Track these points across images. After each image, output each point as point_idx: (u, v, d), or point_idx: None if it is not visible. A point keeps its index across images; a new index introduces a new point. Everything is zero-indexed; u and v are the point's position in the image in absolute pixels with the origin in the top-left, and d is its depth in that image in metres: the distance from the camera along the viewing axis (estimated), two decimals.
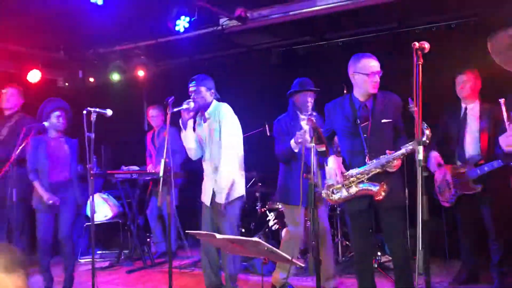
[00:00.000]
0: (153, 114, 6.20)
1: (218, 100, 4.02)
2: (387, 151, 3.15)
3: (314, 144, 2.37)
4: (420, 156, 2.15)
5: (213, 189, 3.87)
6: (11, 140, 4.96)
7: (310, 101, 3.98)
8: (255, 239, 2.09)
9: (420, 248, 2.06)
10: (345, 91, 5.30)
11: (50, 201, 4.34)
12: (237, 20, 5.72)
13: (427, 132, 2.84)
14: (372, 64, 3.26)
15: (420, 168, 2.15)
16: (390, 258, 5.10)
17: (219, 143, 3.82)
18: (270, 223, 5.33)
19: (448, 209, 4.34)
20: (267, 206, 5.62)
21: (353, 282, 4.58)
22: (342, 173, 3.28)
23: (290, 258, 2.18)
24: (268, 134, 5.18)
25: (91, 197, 3.78)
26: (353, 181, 3.26)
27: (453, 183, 4.14)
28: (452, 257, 4.71)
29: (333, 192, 3.35)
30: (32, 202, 4.45)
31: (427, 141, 2.82)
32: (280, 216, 5.37)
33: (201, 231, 3.04)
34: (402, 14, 5.58)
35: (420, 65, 2.25)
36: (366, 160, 3.24)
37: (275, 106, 6.66)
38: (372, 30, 5.91)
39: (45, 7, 5.14)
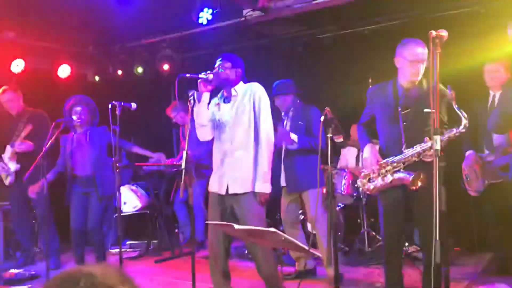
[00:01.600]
0: (173, 115, 6.20)
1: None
2: (426, 139, 3.05)
3: (331, 135, 2.36)
4: (438, 145, 2.12)
5: (228, 176, 3.43)
6: (29, 135, 5.13)
7: (284, 103, 4.02)
8: (272, 229, 2.11)
9: (437, 238, 2.03)
10: (370, 81, 5.25)
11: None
12: (260, 10, 5.72)
13: (464, 120, 2.81)
14: (418, 51, 3.13)
15: (437, 158, 2.11)
16: (418, 248, 5.07)
17: (247, 126, 3.41)
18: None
19: (476, 198, 4.25)
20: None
21: (379, 272, 4.56)
22: (378, 161, 3.20)
23: (307, 248, 2.19)
24: None
25: (117, 189, 3.87)
26: (389, 170, 3.18)
27: (481, 172, 4.05)
28: (481, 248, 4.62)
29: (369, 181, 3.27)
30: (65, 197, 4.61)
31: (463, 130, 2.81)
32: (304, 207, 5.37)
33: (220, 222, 3.03)
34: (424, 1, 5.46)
35: (438, 54, 2.20)
36: (402, 149, 3.16)
37: (300, 96, 6.67)
38: (399, 17, 5.78)
39: (72, 3, 5.26)
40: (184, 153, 3.08)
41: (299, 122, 4.53)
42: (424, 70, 3.18)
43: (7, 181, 5.21)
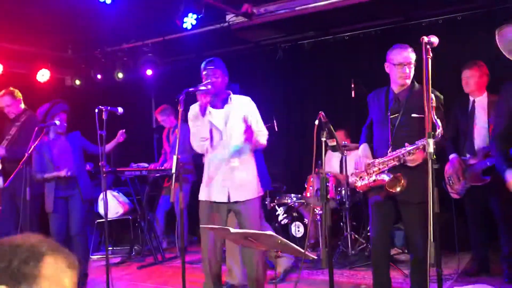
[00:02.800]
0: (161, 118, 6.23)
1: (233, 89, 3.70)
2: (406, 144, 3.13)
3: (325, 139, 2.40)
4: (431, 149, 2.18)
5: (228, 184, 3.42)
6: (19, 139, 5.03)
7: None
8: (269, 232, 2.13)
9: (432, 240, 2.08)
10: (352, 85, 5.34)
11: (68, 173, 4.41)
12: (243, 16, 5.75)
13: (438, 130, 2.82)
14: (402, 54, 3.23)
15: (430, 160, 2.17)
16: (400, 250, 5.17)
17: (240, 133, 3.38)
18: (280, 218, 5.37)
19: (458, 201, 4.36)
20: (276, 201, 5.66)
21: (363, 274, 4.63)
22: (366, 162, 3.34)
23: (302, 250, 2.21)
24: (276, 129, 5.22)
25: (103, 193, 3.83)
26: (375, 171, 3.29)
27: (463, 175, 4.16)
28: (462, 249, 4.72)
29: (359, 179, 3.40)
30: (45, 205, 4.52)
31: (438, 139, 2.79)
32: (289, 211, 5.42)
33: (215, 226, 3.03)
34: (409, 7, 5.58)
35: (429, 59, 2.27)
36: (388, 152, 3.26)
37: (282, 101, 6.73)
38: (379, 23, 5.91)
39: (52, 7, 5.19)
40: (175, 157, 3.07)
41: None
42: (413, 73, 3.27)
43: None
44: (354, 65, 6.06)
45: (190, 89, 3.23)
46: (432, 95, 2.95)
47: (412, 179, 3.11)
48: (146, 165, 6.10)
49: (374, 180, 3.28)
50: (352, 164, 3.58)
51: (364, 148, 3.44)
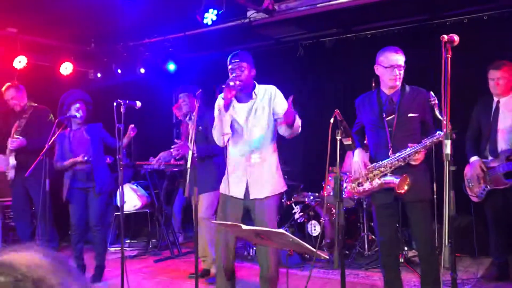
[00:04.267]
0: (180, 113, 6.24)
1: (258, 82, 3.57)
2: (409, 144, 3.15)
3: (340, 137, 2.36)
4: (448, 150, 2.12)
5: (247, 181, 3.37)
6: (30, 131, 5.12)
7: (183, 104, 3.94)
8: (281, 230, 2.11)
9: (446, 243, 2.03)
10: (373, 85, 5.27)
11: (85, 158, 4.45)
12: (264, 12, 5.72)
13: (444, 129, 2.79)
14: (393, 57, 3.26)
15: (447, 162, 2.11)
16: (416, 253, 5.08)
17: (264, 128, 3.35)
18: (296, 216, 5.34)
19: (478, 204, 4.26)
20: (293, 199, 5.63)
21: (379, 276, 4.57)
22: (366, 166, 3.30)
23: (314, 249, 2.19)
24: None
25: (120, 187, 3.85)
26: (376, 174, 3.27)
27: (483, 177, 4.06)
28: (481, 254, 4.63)
29: (358, 185, 3.37)
30: (64, 193, 4.58)
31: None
32: (305, 209, 5.39)
33: (227, 222, 3.01)
34: (432, 5, 5.48)
35: (449, 59, 2.21)
36: (389, 154, 3.24)
37: (301, 98, 6.68)
38: (402, 22, 5.82)
39: (75, 0, 5.25)
40: (190, 152, 3.07)
41: (199, 127, 4.46)
42: (403, 75, 3.30)
43: (8, 176, 5.19)
44: (374, 64, 5.96)
45: (223, 86, 3.21)
46: (432, 94, 3.03)
47: (414, 177, 3.16)
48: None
49: (380, 184, 3.25)
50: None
51: (360, 153, 3.36)
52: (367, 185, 3.29)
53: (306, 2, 5.63)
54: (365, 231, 5.20)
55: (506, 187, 3.95)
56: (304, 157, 6.60)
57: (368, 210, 5.14)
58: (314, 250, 2.16)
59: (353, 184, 3.38)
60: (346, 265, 4.91)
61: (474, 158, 4.13)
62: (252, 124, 3.38)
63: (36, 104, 5.38)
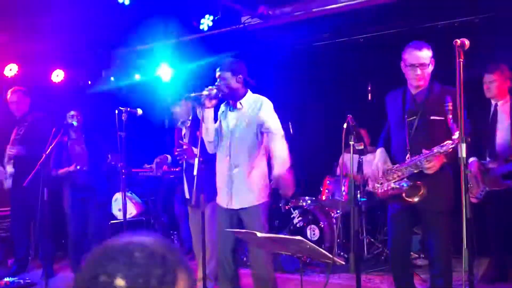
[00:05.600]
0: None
1: (253, 88, 3.54)
2: (423, 150, 2.95)
3: (353, 142, 2.37)
4: (463, 153, 2.14)
5: (231, 190, 3.37)
6: (29, 138, 5.05)
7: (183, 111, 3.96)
8: (298, 237, 2.10)
9: (465, 247, 2.04)
10: (369, 89, 5.31)
11: (77, 167, 4.42)
12: (259, 17, 5.74)
13: (457, 133, 2.72)
14: (415, 55, 3.06)
15: (463, 166, 2.13)
16: (416, 255, 5.10)
17: (248, 139, 3.34)
18: (295, 221, 5.34)
19: (476, 205, 4.30)
20: (291, 204, 5.62)
21: (380, 279, 4.59)
22: (383, 168, 3.16)
23: (331, 256, 2.19)
24: (291, 132, 5.19)
25: (121, 194, 3.82)
26: (393, 177, 3.10)
27: (482, 179, 4.11)
28: (481, 254, 4.68)
29: (379, 185, 3.19)
30: (64, 203, 4.53)
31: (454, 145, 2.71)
32: (304, 214, 5.39)
33: (241, 230, 2.97)
34: (424, 10, 5.54)
35: (461, 62, 2.23)
36: (406, 157, 3.07)
37: (297, 103, 6.70)
38: (396, 26, 5.86)
39: (67, 7, 5.20)
40: (196, 160, 3.05)
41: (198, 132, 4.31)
42: (429, 73, 3.10)
43: (5, 185, 5.09)
44: (370, 68, 6.01)
45: (192, 94, 3.27)
46: (449, 98, 2.87)
47: (431, 187, 2.94)
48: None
49: (393, 188, 3.07)
50: (367, 167, 3.40)
51: (381, 153, 3.24)
52: (383, 188, 3.14)
53: (301, 7, 5.65)
54: (364, 234, 5.22)
55: (504, 188, 3.99)
56: (301, 161, 6.60)
57: (367, 214, 5.17)
58: (330, 256, 2.15)
59: (377, 184, 3.20)
60: (345, 269, 4.91)
61: (472, 159, 4.17)
62: (237, 133, 3.37)
63: (37, 113, 5.30)
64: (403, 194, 2.99)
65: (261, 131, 3.36)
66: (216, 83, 3.33)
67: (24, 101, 5.23)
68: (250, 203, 3.32)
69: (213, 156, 3.52)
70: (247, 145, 3.34)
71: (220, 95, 3.32)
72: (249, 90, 3.48)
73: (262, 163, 3.42)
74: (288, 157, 3.33)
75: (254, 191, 3.34)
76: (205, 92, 3.23)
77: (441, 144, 2.89)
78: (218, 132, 3.46)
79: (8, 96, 5.20)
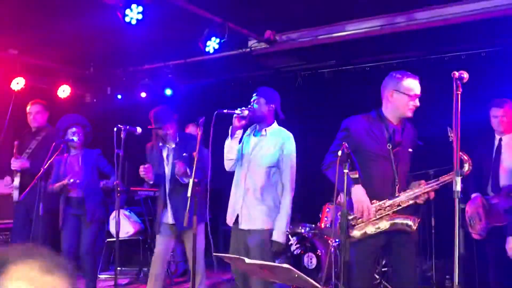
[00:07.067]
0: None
1: (280, 121, 3.70)
2: (423, 182, 2.92)
3: (347, 171, 2.33)
4: (458, 187, 2.09)
5: (241, 210, 3.48)
6: (39, 153, 5.03)
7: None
8: (286, 265, 2.04)
9: (457, 283, 1.98)
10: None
11: (71, 180, 4.39)
12: (265, 42, 5.78)
13: (467, 165, 2.71)
14: (418, 85, 3.04)
15: (457, 199, 2.08)
16: None
17: (264, 165, 3.47)
18: (292, 248, 5.25)
19: (480, 241, 4.21)
20: (289, 230, 5.53)
21: None
22: (373, 206, 2.90)
23: (319, 286, 2.12)
24: None
25: (116, 212, 3.78)
26: (384, 214, 2.90)
27: (485, 214, 4.03)
28: None
29: (352, 227, 2.85)
30: (60, 218, 4.50)
31: (466, 173, 2.69)
32: (302, 241, 5.30)
33: (229, 254, 2.95)
34: (431, 41, 5.55)
35: (459, 95, 2.21)
36: (396, 190, 2.94)
37: (299, 128, 6.66)
38: (401, 55, 5.88)
39: (76, 24, 5.27)
40: (191, 181, 3.02)
41: (184, 154, 4.12)
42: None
43: (14, 197, 5.07)
44: (374, 95, 5.98)
45: (224, 111, 3.34)
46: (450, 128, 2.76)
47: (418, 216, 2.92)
48: None
49: (390, 225, 2.87)
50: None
51: (363, 190, 2.84)
52: (370, 229, 2.89)
53: (307, 33, 5.70)
54: None
55: (506, 223, 3.91)
56: (301, 187, 6.54)
57: None
58: (319, 286, 2.09)
59: (359, 225, 2.90)
60: None
61: (475, 195, 4.09)
62: (258, 160, 3.49)
63: (52, 128, 5.27)
64: (410, 229, 2.88)
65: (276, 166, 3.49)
66: (249, 106, 3.49)
67: (43, 113, 5.23)
68: (257, 226, 3.43)
69: (204, 178, 3.61)
70: (263, 171, 3.47)
71: (250, 119, 3.46)
72: (275, 121, 3.64)
73: (271, 190, 3.51)
74: (289, 212, 3.51)
75: (263, 216, 3.44)
76: (237, 111, 3.39)
77: (441, 177, 2.89)
78: (240, 155, 3.59)
79: (29, 107, 5.20)
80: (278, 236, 3.40)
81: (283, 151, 3.48)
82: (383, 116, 3.11)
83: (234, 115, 3.38)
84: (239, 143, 3.60)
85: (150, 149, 4.17)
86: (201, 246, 3.91)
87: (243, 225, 3.45)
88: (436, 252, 4.67)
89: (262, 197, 3.45)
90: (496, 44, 5.28)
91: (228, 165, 3.61)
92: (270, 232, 3.44)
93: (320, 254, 5.07)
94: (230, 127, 3.48)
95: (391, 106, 3.09)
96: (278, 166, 3.49)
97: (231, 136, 3.46)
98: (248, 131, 3.66)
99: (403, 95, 3.02)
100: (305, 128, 6.70)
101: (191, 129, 6.12)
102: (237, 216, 3.51)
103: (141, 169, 3.78)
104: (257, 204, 3.44)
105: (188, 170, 3.76)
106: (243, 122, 3.41)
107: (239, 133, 3.50)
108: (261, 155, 3.48)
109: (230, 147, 3.51)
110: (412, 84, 3.05)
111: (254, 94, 3.54)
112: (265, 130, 3.54)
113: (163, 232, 4.06)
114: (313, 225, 5.41)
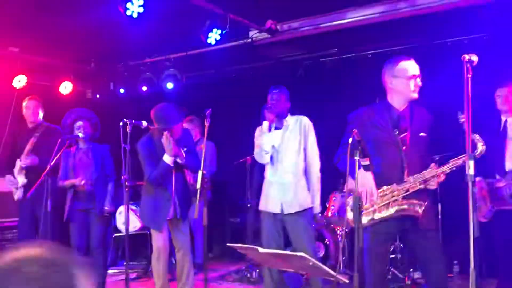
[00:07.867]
0: (188, 127, 6.18)
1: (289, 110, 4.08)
2: (432, 165, 2.89)
3: (358, 158, 2.33)
4: (471, 171, 2.09)
5: (281, 197, 3.84)
6: (38, 150, 5.04)
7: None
8: (301, 254, 2.05)
9: (472, 267, 1.98)
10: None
11: (82, 181, 4.41)
12: (267, 32, 5.75)
13: (480, 145, 2.71)
14: (414, 65, 3.02)
15: (471, 183, 2.08)
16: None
17: (296, 152, 3.88)
18: None
19: (486, 224, 4.22)
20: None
21: None
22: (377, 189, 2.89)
23: (334, 274, 2.13)
24: None
25: (124, 207, 3.79)
26: (390, 199, 2.88)
27: (490, 198, 4.03)
28: (489, 274, 4.57)
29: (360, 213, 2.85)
30: (65, 213, 4.50)
31: (479, 155, 2.68)
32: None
33: (243, 245, 2.93)
34: (432, 26, 5.52)
35: (470, 78, 2.20)
36: (404, 175, 2.91)
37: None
38: (404, 42, 5.85)
39: (76, 19, 5.24)
40: (200, 173, 3.02)
41: (184, 149, 4.19)
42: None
43: (16, 196, 5.08)
44: (377, 83, 5.97)
45: (265, 109, 3.78)
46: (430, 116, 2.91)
47: (428, 202, 2.88)
48: None
49: (396, 211, 2.84)
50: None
51: (369, 175, 2.81)
52: (376, 215, 2.88)
53: (309, 22, 5.66)
54: None
55: None
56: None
57: None
58: (334, 274, 2.10)
59: (370, 210, 2.92)
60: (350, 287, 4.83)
61: (478, 178, 4.09)
62: (283, 149, 3.88)
63: (49, 124, 5.29)
64: (418, 215, 2.85)
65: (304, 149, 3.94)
66: (272, 102, 3.90)
67: (38, 109, 5.24)
68: (299, 208, 3.80)
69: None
70: (294, 158, 3.88)
71: (276, 112, 3.85)
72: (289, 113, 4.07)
73: (303, 175, 3.93)
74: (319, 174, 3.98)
75: (301, 198, 3.83)
76: (269, 105, 3.83)
77: (455, 158, 2.86)
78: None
79: (25, 103, 5.21)
80: (317, 208, 3.93)
81: (306, 134, 3.92)
82: (388, 104, 3.11)
83: (266, 110, 3.76)
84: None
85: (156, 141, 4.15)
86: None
87: (290, 210, 3.78)
88: (444, 237, 4.67)
89: (299, 182, 3.84)
90: (498, 28, 5.24)
91: (265, 158, 3.89)
92: (311, 209, 3.88)
93: (327, 242, 5.09)
94: (264, 122, 3.79)
95: (394, 93, 3.09)
96: (305, 148, 3.91)
97: (269, 130, 3.81)
98: (263, 128, 3.87)
99: (400, 78, 3.02)
100: (308, 117, 6.69)
101: (186, 125, 6.12)
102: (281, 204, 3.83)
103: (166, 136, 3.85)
104: (297, 188, 3.82)
105: (182, 150, 3.93)
106: (272, 116, 3.78)
107: (267, 125, 3.84)
108: (291, 144, 3.87)
109: (268, 140, 3.82)
110: (407, 65, 3.04)
111: (276, 91, 3.93)
112: (286, 121, 3.94)
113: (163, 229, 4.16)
114: (320, 214, 5.42)
